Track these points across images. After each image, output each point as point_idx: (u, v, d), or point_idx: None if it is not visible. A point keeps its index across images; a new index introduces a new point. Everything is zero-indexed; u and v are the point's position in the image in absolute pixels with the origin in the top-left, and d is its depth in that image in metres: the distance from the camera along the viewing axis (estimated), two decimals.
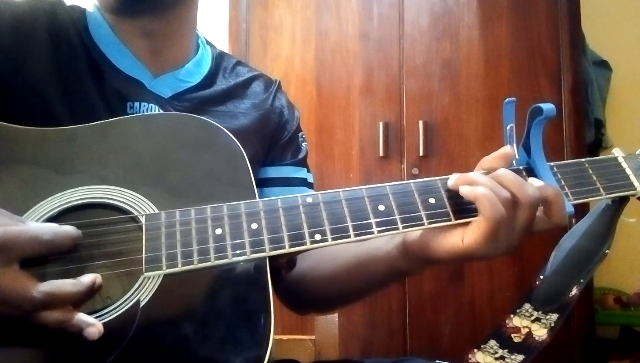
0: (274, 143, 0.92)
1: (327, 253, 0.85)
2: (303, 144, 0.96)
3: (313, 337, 1.18)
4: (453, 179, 0.66)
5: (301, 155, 0.95)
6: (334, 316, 1.19)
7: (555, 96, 1.90)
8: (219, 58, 0.92)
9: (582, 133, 1.96)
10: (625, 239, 2.06)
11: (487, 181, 0.64)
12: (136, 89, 0.80)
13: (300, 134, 0.96)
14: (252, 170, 0.69)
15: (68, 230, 0.57)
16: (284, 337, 1.20)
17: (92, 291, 0.54)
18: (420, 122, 1.90)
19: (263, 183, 0.90)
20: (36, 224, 0.56)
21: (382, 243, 0.77)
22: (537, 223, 0.66)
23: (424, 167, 1.90)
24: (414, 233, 0.71)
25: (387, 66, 1.96)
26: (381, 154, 1.91)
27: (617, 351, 2.30)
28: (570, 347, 1.83)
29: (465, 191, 0.64)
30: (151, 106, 0.80)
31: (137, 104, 0.79)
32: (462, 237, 0.65)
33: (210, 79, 0.88)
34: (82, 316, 0.53)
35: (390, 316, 1.87)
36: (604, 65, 2.48)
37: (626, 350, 2.29)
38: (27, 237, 0.53)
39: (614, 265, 2.27)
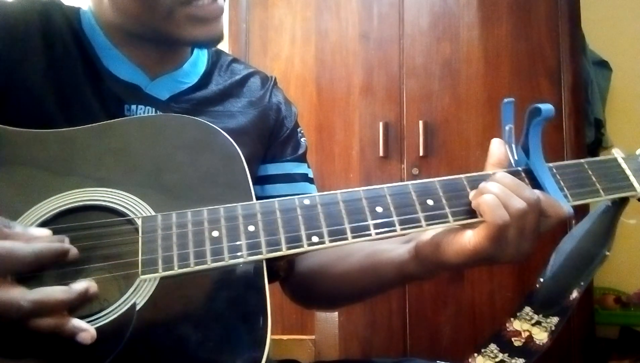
0: (273, 139, 0.91)
1: (339, 252, 0.84)
2: (302, 139, 0.95)
3: (313, 337, 1.18)
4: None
5: (301, 151, 0.94)
6: (334, 317, 1.19)
7: (555, 96, 1.90)
8: (215, 56, 0.91)
9: (582, 133, 1.96)
10: (625, 239, 2.05)
11: (496, 189, 0.64)
12: (133, 92, 0.80)
13: (299, 130, 0.96)
14: (252, 168, 0.69)
15: (57, 244, 0.54)
16: (284, 337, 1.20)
17: (85, 298, 0.53)
18: (420, 122, 1.90)
19: (264, 180, 0.90)
20: (22, 243, 0.53)
21: (394, 245, 0.77)
22: (541, 224, 0.66)
23: (424, 167, 1.90)
24: (426, 236, 0.71)
25: (387, 66, 1.96)
26: (381, 154, 1.90)
27: (617, 351, 2.29)
28: (570, 347, 1.82)
29: (474, 204, 0.66)
30: (148, 109, 0.79)
31: (133, 107, 0.79)
32: (469, 239, 0.65)
33: (206, 78, 0.87)
34: (75, 322, 0.52)
35: (391, 317, 1.87)
36: (604, 65, 2.47)
37: (626, 350, 2.29)
38: (14, 256, 0.51)
39: (614, 265, 2.26)
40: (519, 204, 0.63)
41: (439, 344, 1.84)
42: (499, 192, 0.64)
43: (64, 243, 0.55)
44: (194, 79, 0.86)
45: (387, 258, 0.77)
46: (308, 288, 0.89)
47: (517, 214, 0.63)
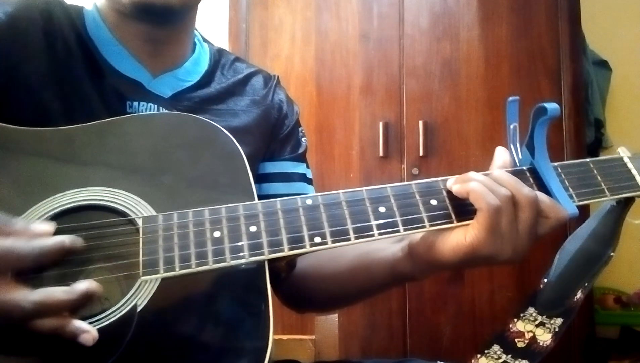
0: (273, 138, 0.91)
1: (329, 253, 0.83)
2: (302, 139, 0.95)
3: (313, 337, 1.17)
4: (451, 182, 0.66)
5: (300, 150, 0.94)
6: (334, 316, 1.18)
7: (555, 96, 1.90)
8: (217, 55, 0.91)
9: (582, 133, 1.96)
10: (625, 239, 2.05)
11: (481, 178, 0.64)
12: (135, 89, 0.79)
13: (299, 129, 0.95)
14: (253, 167, 0.69)
15: (58, 241, 0.54)
16: (284, 337, 1.20)
17: (86, 298, 0.52)
18: (420, 122, 1.90)
19: (262, 178, 0.89)
20: (23, 241, 0.52)
21: (386, 244, 0.77)
22: (540, 225, 0.65)
23: (424, 167, 1.89)
24: (419, 235, 0.70)
25: (387, 66, 1.95)
26: (381, 154, 1.90)
27: (617, 351, 2.29)
28: (570, 347, 1.82)
29: (456, 188, 0.64)
30: (150, 106, 0.79)
31: (136, 103, 0.78)
32: (465, 234, 0.64)
33: (209, 77, 0.87)
34: (76, 323, 0.52)
35: (391, 317, 1.86)
36: (604, 65, 2.48)
37: (626, 350, 2.29)
38: (15, 254, 0.51)
39: (614, 265, 2.24)
40: (505, 191, 0.63)
41: (439, 344, 1.84)
42: (484, 180, 0.64)
43: (67, 240, 0.55)
44: (195, 78, 0.85)
45: (380, 257, 0.77)
46: (301, 290, 0.88)
47: (506, 199, 0.62)
